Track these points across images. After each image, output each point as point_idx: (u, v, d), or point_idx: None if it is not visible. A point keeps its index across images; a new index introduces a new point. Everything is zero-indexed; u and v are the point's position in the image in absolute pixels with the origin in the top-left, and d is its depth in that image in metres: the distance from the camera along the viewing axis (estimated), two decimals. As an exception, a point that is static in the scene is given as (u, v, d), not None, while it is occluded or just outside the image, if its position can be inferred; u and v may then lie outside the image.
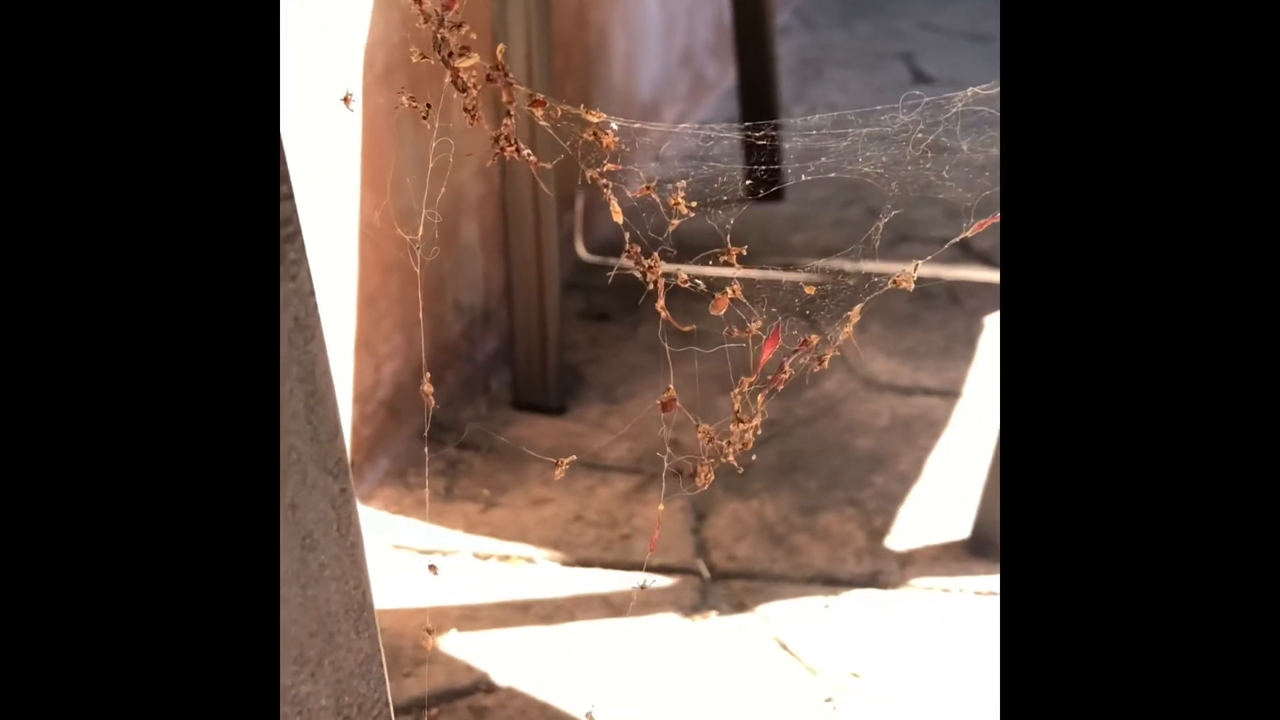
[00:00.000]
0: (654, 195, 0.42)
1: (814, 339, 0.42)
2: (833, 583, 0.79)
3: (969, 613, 0.76)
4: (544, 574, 0.82)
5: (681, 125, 1.31)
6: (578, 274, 1.24)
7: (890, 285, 0.42)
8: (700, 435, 0.46)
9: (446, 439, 0.96)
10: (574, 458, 0.50)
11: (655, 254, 0.43)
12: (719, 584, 0.80)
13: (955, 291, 1.17)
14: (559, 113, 0.40)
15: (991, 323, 1.12)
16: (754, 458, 0.93)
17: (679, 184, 0.42)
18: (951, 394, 1.00)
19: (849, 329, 0.41)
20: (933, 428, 0.95)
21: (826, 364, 0.42)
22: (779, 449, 0.94)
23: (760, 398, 0.43)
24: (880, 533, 0.83)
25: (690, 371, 1.12)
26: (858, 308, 0.41)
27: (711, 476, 0.45)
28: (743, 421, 0.44)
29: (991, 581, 0.77)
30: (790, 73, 1.89)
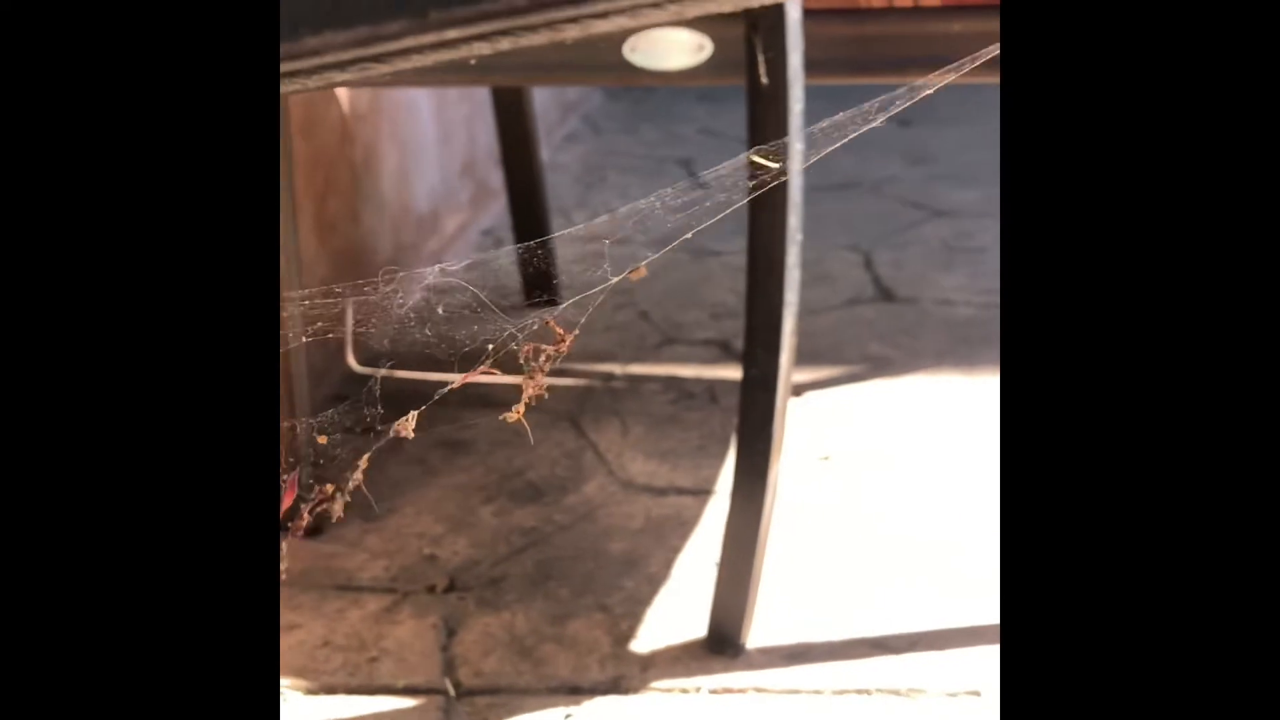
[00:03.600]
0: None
1: (329, 488, 0.43)
2: (576, 691, 0.80)
3: (704, 712, 0.78)
4: (286, 706, 0.80)
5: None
6: (348, 386, 1.23)
7: (391, 434, 0.42)
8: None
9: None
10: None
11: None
12: (464, 701, 0.80)
13: (715, 390, 1.21)
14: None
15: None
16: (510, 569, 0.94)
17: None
18: (704, 492, 1.03)
19: (359, 474, 0.42)
20: (684, 527, 0.98)
21: (341, 511, 0.42)
22: (536, 558, 0.95)
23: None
24: (626, 637, 0.85)
25: (455, 483, 1.13)
26: (365, 456, 0.42)
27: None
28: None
29: (727, 679, 0.80)
30: (575, 179, 1.95)
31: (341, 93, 1.30)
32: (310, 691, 0.81)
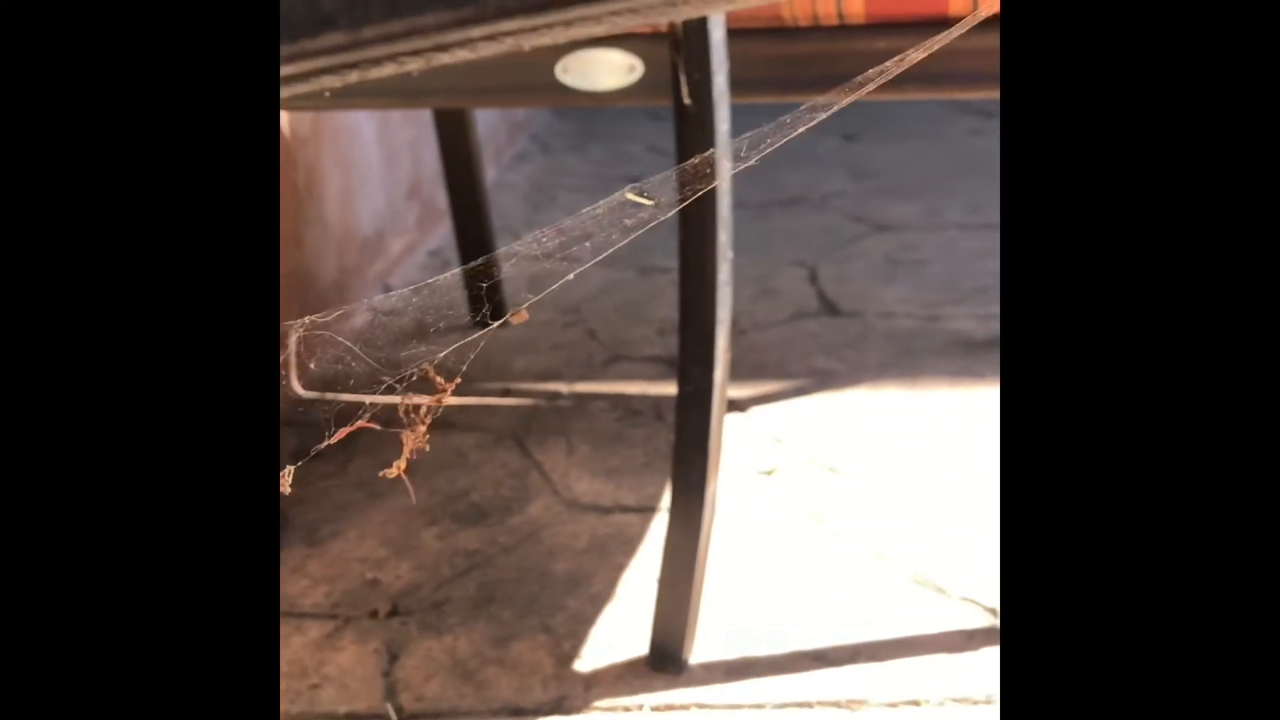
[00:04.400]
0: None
1: None
2: (519, 713, 0.80)
3: (648, 730, 0.78)
4: (225, 735, 0.79)
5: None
6: (293, 412, 1.22)
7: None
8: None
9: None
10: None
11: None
12: (406, 727, 0.79)
13: (661, 408, 1.22)
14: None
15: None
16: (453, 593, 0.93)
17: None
18: (649, 509, 1.03)
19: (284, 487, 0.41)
20: (628, 545, 0.98)
21: None
22: (479, 580, 0.95)
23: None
24: (569, 657, 0.85)
25: (398, 506, 1.12)
26: (286, 470, 0.41)
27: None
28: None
29: (669, 696, 0.80)
30: (524, 198, 1.96)
31: (282, 115, 1.29)
32: (250, 721, 0.80)
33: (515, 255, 0.42)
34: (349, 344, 0.42)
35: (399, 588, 0.94)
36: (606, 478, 1.09)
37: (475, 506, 1.05)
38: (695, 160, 0.41)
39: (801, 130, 0.44)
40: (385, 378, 0.38)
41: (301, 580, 0.96)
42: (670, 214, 0.45)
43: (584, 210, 0.41)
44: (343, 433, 0.39)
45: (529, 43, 0.34)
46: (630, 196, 0.42)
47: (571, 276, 0.42)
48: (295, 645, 0.88)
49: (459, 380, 0.39)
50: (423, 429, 0.37)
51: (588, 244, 0.40)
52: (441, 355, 0.38)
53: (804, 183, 1.98)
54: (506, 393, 1.27)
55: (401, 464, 0.39)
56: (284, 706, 0.81)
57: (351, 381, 0.42)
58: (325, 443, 0.39)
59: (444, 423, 1.21)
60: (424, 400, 0.37)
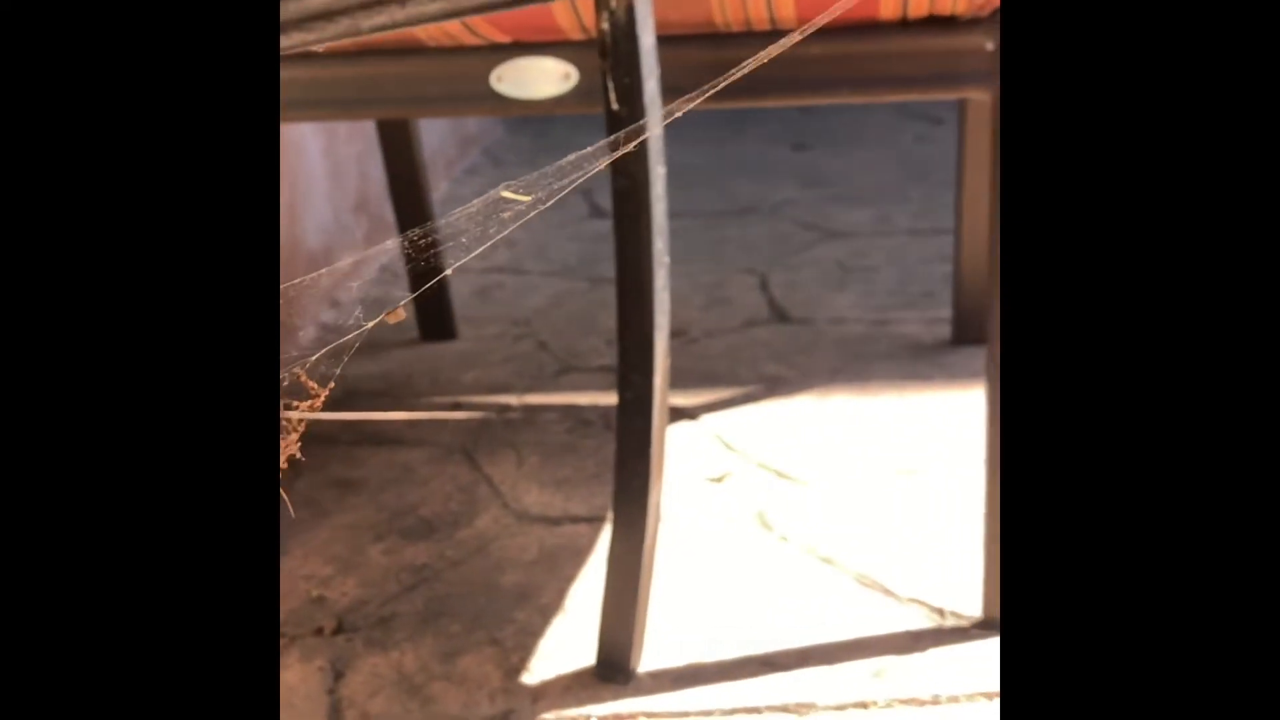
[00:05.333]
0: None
1: None
2: (465, 728, 0.79)
3: (595, 741, 0.77)
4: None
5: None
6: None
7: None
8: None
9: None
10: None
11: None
12: (350, 745, 0.78)
13: (611, 417, 1.21)
14: None
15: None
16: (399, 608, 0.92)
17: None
18: (599, 519, 1.03)
19: None
20: (578, 556, 0.98)
21: None
22: (426, 595, 0.94)
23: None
24: (517, 670, 0.84)
25: (345, 522, 1.11)
26: None
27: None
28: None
29: (617, 706, 0.79)
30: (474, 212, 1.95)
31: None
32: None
33: (386, 252, 0.41)
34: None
35: (345, 604, 0.93)
36: (556, 488, 1.08)
37: (423, 521, 1.04)
38: (571, 158, 0.41)
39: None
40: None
41: (245, 600, 0.94)
42: (543, 207, 0.44)
43: (457, 211, 0.41)
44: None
45: (367, 22, 0.35)
46: (505, 194, 0.42)
47: (449, 273, 0.41)
48: (238, 666, 0.86)
49: (332, 385, 0.38)
50: (294, 437, 0.36)
51: (464, 239, 0.40)
52: (313, 359, 0.38)
53: (756, 192, 1.98)
54: (456, 406, 1.26)
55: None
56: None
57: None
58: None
59: (392, 439, 1.20)
60: (294, 413, 0.37)
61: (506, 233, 0.40)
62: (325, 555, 1.00)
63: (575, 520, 1.03)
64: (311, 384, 0.37)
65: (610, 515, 1.03)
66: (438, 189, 2.01)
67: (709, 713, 0.79)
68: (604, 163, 0.40)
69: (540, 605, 0.91)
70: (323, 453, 1.17)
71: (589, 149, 0.43)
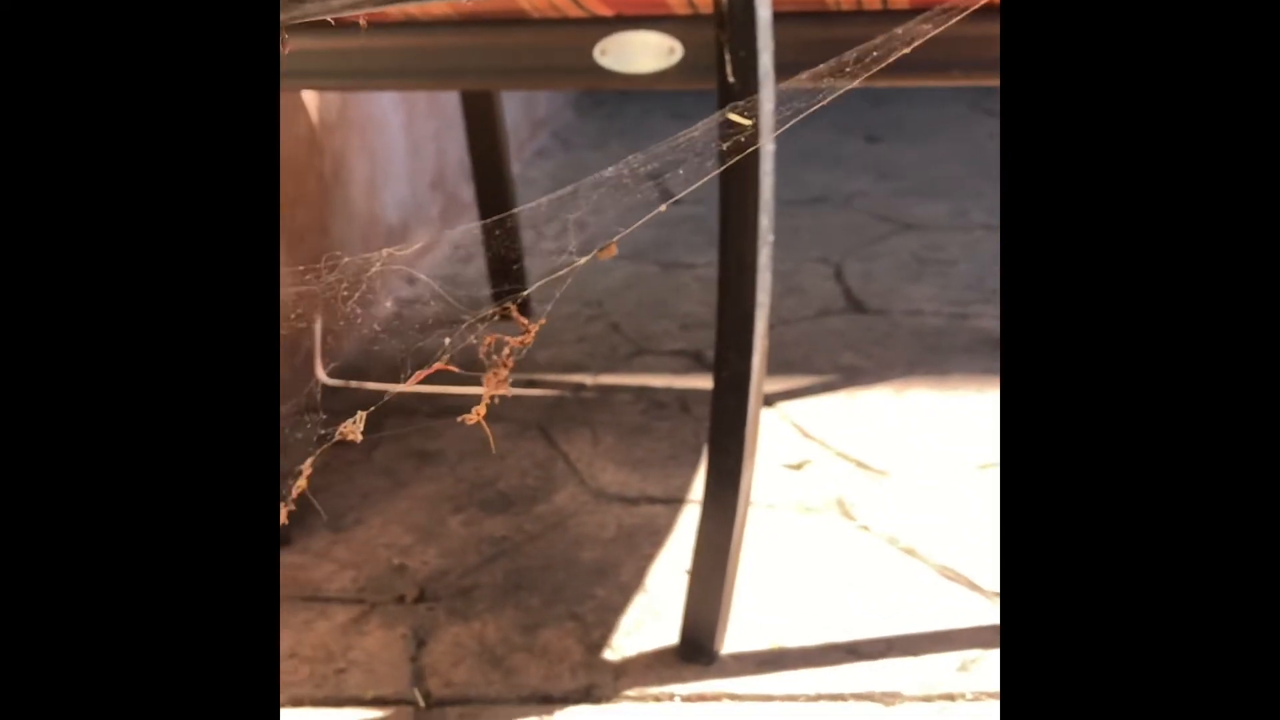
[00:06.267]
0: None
1: (303, 483, 0.41)
2: (548, 701, 0.79)
3: (677, 719, 0.77)
4: (250, 717, 0.78)
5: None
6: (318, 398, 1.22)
7: (337, 438, 0.41)
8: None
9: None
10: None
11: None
12: (433, 711, 0.78)
13: (686, 400, 1.21)
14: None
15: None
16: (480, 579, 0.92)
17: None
18: (676, 501, 1.02)
19: (304, 481, 0.40)
20: (656, 536, 0.97)
21: (285, 518, 0.40)
22: (506, 567, 0.94)
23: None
24: (598, 645, 0.84)
25: (424, 493, 1.12)
26: (309, 462, 0.40)
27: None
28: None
29: (700, 686, 0.79)
30: (545, 194, 1.95)
31: (310, 103, 1.29)
32: (276, 704, 0.79)
33: (604, 183, 0.41)
34: (430, 281, 0.41)
35: (426, 573, 0.93)
36: (632, 468, 1.08)
37: (501, 494, 1.05)
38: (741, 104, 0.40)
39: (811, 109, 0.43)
40: (466, 317, 0.38)
41: (328, 565, 0.95)
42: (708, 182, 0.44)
43: (680, 135, 0.40)
44: (420, 375, 0.38)
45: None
46: (731, 116, 0.41)
47: (663, 208, 0.41)
48: (321, 630, 0.87)
49: (544, 321, 0.38)
50: (505, 372, 0.36)
51: (680, 171, 0.39)
52: (530, 290, 0.38)
53: (827, 182, 1.97)
54: (531, 384, 1.26)
55: (481, 409, 0.38)
56: (309, 691, 0.81)
57: (418, 328, 0.41)
58: (403, 387, 0.39)
59: (467, 412, 1.20)
60: (510, 340, 0.36)
61: (729, 164, 0.40)
62: (405, 524, 1.00)
63: (652, 501, 1.03)
64: (522, 320, 0.37)
65: (688, 498, 1.02)
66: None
67: (794, 697, 0.78)
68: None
69: (620, 583, 0.91)
70: (401, 423, 1.17)
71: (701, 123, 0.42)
